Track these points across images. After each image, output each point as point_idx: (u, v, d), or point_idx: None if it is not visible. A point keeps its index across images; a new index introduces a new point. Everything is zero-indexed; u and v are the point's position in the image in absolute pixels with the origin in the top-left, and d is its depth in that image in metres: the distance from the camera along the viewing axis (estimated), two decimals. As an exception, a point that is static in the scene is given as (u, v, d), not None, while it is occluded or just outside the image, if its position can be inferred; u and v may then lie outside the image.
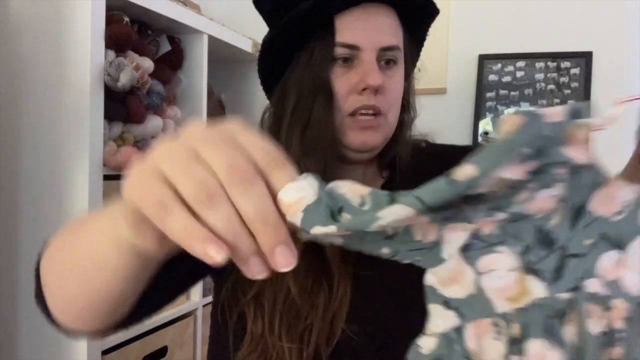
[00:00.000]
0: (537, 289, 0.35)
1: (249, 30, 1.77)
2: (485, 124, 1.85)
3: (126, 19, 1.20)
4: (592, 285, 0.35)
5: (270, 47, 0.71)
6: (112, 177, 1.18)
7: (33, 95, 1.14)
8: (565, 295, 0.34)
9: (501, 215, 0.34)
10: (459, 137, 1.87)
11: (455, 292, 0.35)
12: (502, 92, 1.83)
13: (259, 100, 1.99)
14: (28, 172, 1.15)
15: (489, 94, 1.85)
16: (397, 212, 0.31)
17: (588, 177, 0.35)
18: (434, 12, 0.73)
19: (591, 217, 0.36)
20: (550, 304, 0.34)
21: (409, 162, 0.76)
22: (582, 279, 0.35)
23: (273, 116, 0.73)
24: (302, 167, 0.66)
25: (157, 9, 1.28)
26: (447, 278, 0.35)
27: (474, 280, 0.34)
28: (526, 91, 1.80)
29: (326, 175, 0.63)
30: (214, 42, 1.54)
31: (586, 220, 0.36)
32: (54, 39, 1.11)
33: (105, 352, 1.18)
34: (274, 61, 0.72)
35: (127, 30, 1.19)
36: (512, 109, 1.82)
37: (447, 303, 0.35)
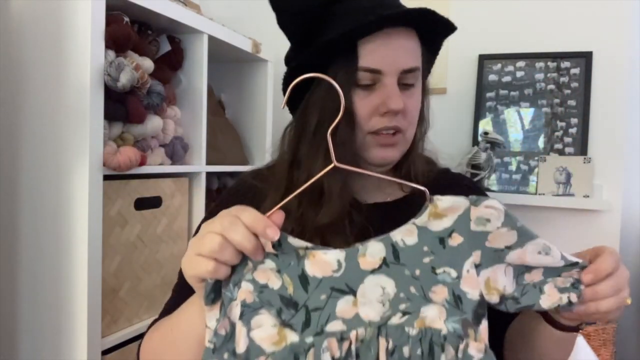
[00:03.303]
0: (291, 336, 0.50)
1: (249, 30, 1.77)
2: (485, 124, 1.85)
3: (126, 19, 1.20)
4: (333, 326, 0.51)
5: (297, 72, 0.72)
6: (112, 177, 1.19)
7: (33, 95, 1.14)
8: (310, 339, 0.50)
9: (250, 286, 0.51)
10: (459, 137, 1.87)
11: (239, 347, 0.50)
12: (502, 92, 1.83)
13: (259, 100, 2.01)
14: (28, 172, 1.15)
15: (489, 94, 1.85)
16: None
17: (289, 255, 0.52)
18: (452, 29, 0.74)
19: (316, 279, 0.52)
20: (300, 345, 0.50)
21: (428, 183, 0.79)
22: (326, 324, 0.51)
23: (294, 133, 0.75)
24: (325, 182, 0.69)
25: (157, 9, 1.28)
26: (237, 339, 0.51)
27: (245, 334, 0.50)
28: (526, 91, 1.80)
29: (346, 187, 0.69)
30: (214, 42, 1.54)
31: (314, 282, 0.51)
32: (54, 39, 1.11)
33: (105, 352, 1.18)
34: (299, 82, 0.74)
35: (127, 30, 1.19)
36: (512, 109, 1.82)
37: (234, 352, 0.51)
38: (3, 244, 1.18)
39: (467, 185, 0.85)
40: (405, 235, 0.52)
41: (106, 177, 1.15)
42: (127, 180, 1.24)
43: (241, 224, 0.50)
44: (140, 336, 1.28)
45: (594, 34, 1.73)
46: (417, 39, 0.72)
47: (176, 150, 1.42)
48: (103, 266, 1.16)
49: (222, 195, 0.85)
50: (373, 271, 0.52)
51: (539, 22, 1.78)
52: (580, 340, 1.45)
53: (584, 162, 1.69)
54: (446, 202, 0.52)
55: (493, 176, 1.81)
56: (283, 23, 0.73)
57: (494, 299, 0.53)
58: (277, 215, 0.51)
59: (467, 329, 0.50)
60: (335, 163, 0.55)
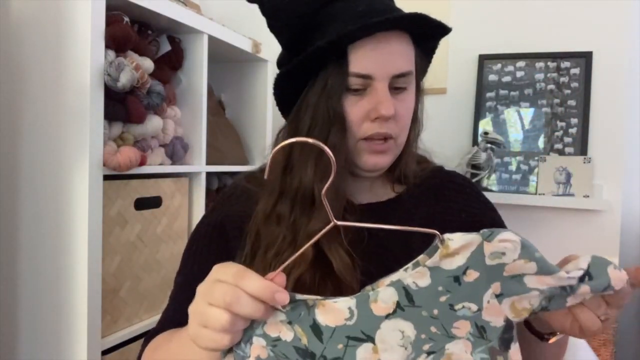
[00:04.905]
0: None
1: (249, 30, 1.77)
2: (485, 124, 1.85)
3: (126, 19, 1.20)
4: None
5: (287, 77, 0.73)
6: (112, 177, 1.19)
7: (33, 95, 1.14)
8: None
9: (262, 341, 0.50)
10: (459, 137, 1.87)
11: None
12: (502, 92, 1.83)
13: (259, 100, 2.01)
14: (28, 172, 1.15)
15: (489, 94, 1.85)
16: None
17: (299, 306, 0.50)
18: (445, 31, 0.74)
19: (330, 328, 0.49)
20: None
21: (421, 182, 0.79)
22: None
23: (287, 137, 0.75)
24: (316, 189, 0.69)
25: (157, 9, 1.28)
26: None
27: None
28: (526, 91, 1.80)
29: (338, 191, 0.68)
30: (214, 42, 1.54)
31: (327, 332, 0.49)
32: (54, 39, 1.11)
33: (105, 352, 1.18)
34: (290, 87, 0.74)
35: (127, 30, 1.19)
36: (512, 109, 1.82)
37: None
38: (3, 244, 1.18)
39: (461, 183, 0.84)
40: (416, 278, 0.50)
41: (106, 177, 1.15)
42: (127, 180, 1.24)
43: (246, 295, 0.48)
44: (140, 336, 1.28)
45: (594, 34, 1.73)
46: (410, 42, 0.72)
47: (176, 150, 1.42)
48: (103, 266, 1.15)
49: (216, 199, 0.85)
50: (388, 316, 0.50)
51: (539, 22, 1.78)
52: (580, 340, 1.45)
53: (584, 162, 1.69)
54: (457, 242, 0.49)
55: (493, 176, 1.81)
56: (274, 28, 0.72)
57: (524, 317, 0.51)
58: (280, 277, 0.50)
59: (496, 357, 0.49)
60: (334, 222, 0.52)
